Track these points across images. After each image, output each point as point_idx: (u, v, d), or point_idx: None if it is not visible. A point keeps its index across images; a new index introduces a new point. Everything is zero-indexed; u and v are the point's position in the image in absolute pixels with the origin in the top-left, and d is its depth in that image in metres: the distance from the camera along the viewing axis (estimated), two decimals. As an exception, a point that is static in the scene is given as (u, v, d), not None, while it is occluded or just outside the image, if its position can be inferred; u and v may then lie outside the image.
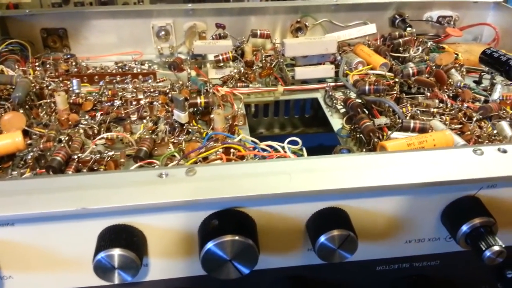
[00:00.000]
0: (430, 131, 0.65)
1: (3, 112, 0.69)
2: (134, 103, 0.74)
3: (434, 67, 0.82)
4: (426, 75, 0.80)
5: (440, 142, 0.60)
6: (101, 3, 1.39)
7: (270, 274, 0.52)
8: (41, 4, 1.35)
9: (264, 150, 0.61)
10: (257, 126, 0.95)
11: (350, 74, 0.84)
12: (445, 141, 0.61)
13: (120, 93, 0.77)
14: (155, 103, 0.75)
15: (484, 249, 0.46)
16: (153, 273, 0.50)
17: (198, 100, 0.72)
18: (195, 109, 0.73)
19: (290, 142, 0.62)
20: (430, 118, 0.71)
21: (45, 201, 0.43)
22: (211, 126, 0.69)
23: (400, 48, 0.92)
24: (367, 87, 0.74)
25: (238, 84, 0.84)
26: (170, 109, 0.73)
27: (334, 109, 0.80)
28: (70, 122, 0.71)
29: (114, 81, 0.81)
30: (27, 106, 0.73)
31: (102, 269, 0.43)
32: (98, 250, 0.43)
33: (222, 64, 0.88)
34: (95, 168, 0.60)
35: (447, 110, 0.73)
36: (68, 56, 0.92)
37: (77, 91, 0.77)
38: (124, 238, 0.44)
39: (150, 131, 0.68)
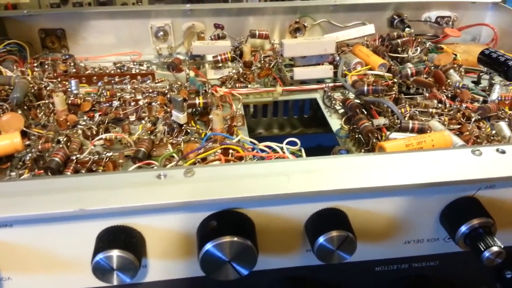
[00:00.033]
0: (428, 131, 0.65)
1: (2, 113, 0.69)
2: (132, 103, 0.74)
3: (432, 67, 0.82)
4: (425, 76, 0.80)
5: (439, 143, 0.60)
6: (99, 3, 1.39)
7: (269, 275, 0.52)
8: (40, 4, 1.35)
9: (262, 151, 0.61)
10: (256, 126, 0.95)
11: (348, 75, 0.84)
12: (444, 141, 0.61)
13: (118, 94, 0.77)
14: (153, 103, 0.75)
15: (483, 249, 0.46)
16: (152, 274, 0.49)
17: (197, 101, 0.72)
18: (194, 109, 0.73)
19: (289, 143, 0.62)
20: (429, 119, 0.71)
21: (43, 203, 0.43)
22: (210, 127, 0.69)
23: (399, 49, 0.92)
24: (365, 88, 0.74)
25: (237, 85, 0.84)
26: (168, 109, 0.73)
27: (333, 110, 0.80)
28: (68, 123, 0.70)
29: (113, 81, 0.81)
30: (25, 107, 0.73)
31: (101, 271, 0.43)
32: (96, 251, 0.43)
33: (220, 64, 0.88)
34: (94, 169, 0.60)
35: (446, 110, 0.73)
36: (67, 56, 0.92)
37: (75, 91, 0.77)
38: (122, 239, 0.44)
39: (149, 132, 0.68)
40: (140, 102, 0.74)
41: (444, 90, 0.78)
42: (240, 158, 0.60)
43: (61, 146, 0.62)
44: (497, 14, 1.04)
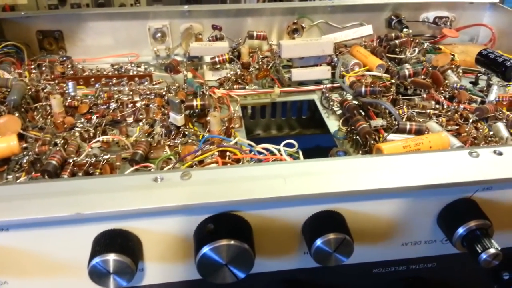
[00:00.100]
0: (426, 132, 0.65)
1: (-1, 115, 0.69)
2: (130, 105, 0.74)
3: (430, 68, 0.82)
4: (423, 77, 0.80)
5: (436, 144, 0.60)
6: (97, 4, 1.39)
7: (267, 277, 0.52)
8: (37, 5, 1.35)
9: (260, 153, 0.61)
10: (254, 127, 0.95)
11: (346, 76, 0.84)
12: (441, 143, 0.61)
13: (116, 96, 0.77)
14: (151, 105, 0.74)
15: (480, 251, 0.46)
16: (149, 277, 0.49)
17: (194, 103, 0.72)
18: (192, 111, 0.73)
19: (286, 145, 0.62)
20: (427, 120, 0.71)
21: (39, 206, 0.43)
22: (208, 129, 0.69)
23: (397, 49, 0.92)
24: (363, 89, 0.74)
25: (235, 86, 0.84)
26: (166, 111, 0.72)
27: (331, 111, 0.79)
28: (65, 125, 0.70)
29: (110, 83, 0.81)
30: (22, 109, 0.72)
31: (97, 274, 0.43)
32: (93, 255, 0.43)
33: (218, 66, 0.88)
34: (91, 172, 0.60)
35: (444, 111, 0.73)
36: (64, 58, 0.92)
37: (72, 93, 0.77)
38: (119, 243, 0.44)
39: (146, 134, 0.68)
40: (138, 104, 0.74)
41: (442, 91, 0.79)
42: (238, 160, 0.60)
43: (58, 148, 0.61)
44: (495, 15, 1.04)
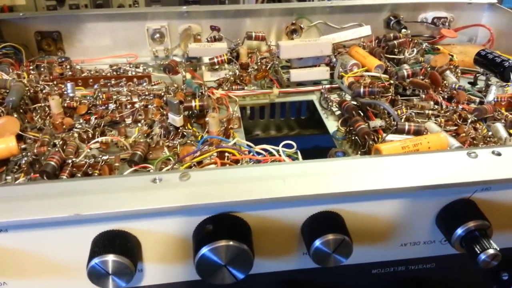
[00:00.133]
0: (425, 133, 0.65)
1: (-3, 116, 0.69)
2: (128, 106, 0.74)
3: (429, 68, 0.82)
4: (421, 77, 0.80)
5: (435, 145, 0.60)
6: (96, 5, 1.39)
7: (266, 278, 0.52)
8: (36, 6, 1.35)
9: (258, 153, 0.61)
10: (253, 128, 0.95)
11: (345, 76, 0.84)
12: (440, 143, 0.61)
13: (114, 97, 0.77)
14: (150, 106, 0.74)
15: (479, 252, 0.46)
16: (148, 278, 0.49)
17: (193, 103, 0.72)
18: (190, 112, 0.73)
19: (285, 146, 0.62)
20: (425, 120, 0.71)
21: (38, 207, 0.43)
22: (206, 129, 0.69)
23: (395, 50, 0.92)
24: (362, 90, 0.74)
25: (233, 87, 0.84)
26: (165, 112, 0.72)
27: (330, 111, 0.80)
28: (64, 126, 0.70)
29: (109, 84, 0.81)
30: (21, 110, 0.72)
31: (96, 275, 0.43)
32: (92, 256, 0.43)
33: (217, 66, 0.88)
34: (90, 173, 0.60)
35: (442, 112, 0.73)
36: (63, 59, 0.92)
37: (71, 94, 0.77)
38: (118, 244, 0.44)
39: (145, 135, 0.68)
40: (136, 105, 0.74)
41: (441, 92, 0.79)
42: (236, 161, 0.60)
43: (57, 149, 0.61)
44: (493, 15, 1.04)
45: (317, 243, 0.45)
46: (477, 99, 0.77)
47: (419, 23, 1.05)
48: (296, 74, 0.85)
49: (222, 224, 0.45)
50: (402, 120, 0.69)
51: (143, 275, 0.49)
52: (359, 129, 0.66)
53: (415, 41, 0.94)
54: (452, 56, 0.91)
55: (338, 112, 0.78)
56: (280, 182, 0.46)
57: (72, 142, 0.65)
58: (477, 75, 0.86)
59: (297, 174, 0.48)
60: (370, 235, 0.51)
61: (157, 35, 0.97)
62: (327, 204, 0.47)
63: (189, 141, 0.67)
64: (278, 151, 0.61)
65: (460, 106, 0.73)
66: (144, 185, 0.46)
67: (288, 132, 0.97)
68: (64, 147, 0.64)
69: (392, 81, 0.80)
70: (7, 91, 0.73)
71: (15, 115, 0.69)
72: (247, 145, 0.64)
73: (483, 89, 0.81)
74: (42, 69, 0.87)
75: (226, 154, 0.60)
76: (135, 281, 0.47)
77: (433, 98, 0.76)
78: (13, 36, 0.94)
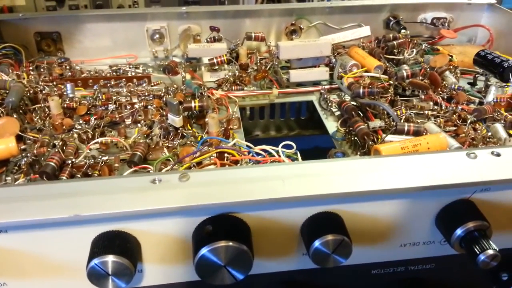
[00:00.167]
0: (424, 133, 0.65)
1: (-3, 117, 0.69)
2: (128, 107, 0.74)
3: (428, 69, 0.82)
4: (421, 78, 0.80)
5: (434, 145, 0.60)
6: (96, 6, 1.39)
7: (265, 278, 0.52)
8: (36, 7, 1.35)
9: (258, 154, 0.61)
10: (253, 128, 0.95)
11: (344, 77, 0.84)
12: (439, 144, 0.61)
13: (114, 97, 0.77)
14: (149, 107, 0.74)
15: (478, 253, 0.46)
16: (148, 279, 0.49)
17: (193, 104, 0.72)
18: (190, 112, 0.73)
19: (285, 146, 0.62)
20: (425, 121, 0.71)
21: (38, 208, 0.43)
22: (206, 130, 0.69)
23: (395, 50, 0.92)
24: (361, 90, 0.74)
25: (233, 87, 0.84)
26: (164, 113, 0.72)
27: (329, 112, 0.80)
28: (64, 127, 0.70)
29: (109, 85, 0.81)
30: (21, 111, 0.72)
31: (96, 276, 0.43)
32: (91, 256, 0.43)
33: (216, 67, 0.88)
34: (89, 173, 0.60)
35: (442, 112, 0.73)
36: (62, 60, 0.92)
37: (71, 95, 0.77)
38: (117, 244, 0.44)
39: (145, 135, 0.68)
40: (136, 106, 0.74)
41: (440, 92, 0.79)
42: (236, 162, 0.60)
43: (56, 150, 0.61)
44: (492, 15, 1.04)
45: (317, 243, 0.46)
46: (477, 100, 0.77)
47: (418, 24, 1.05)
48: (296, 75, 0.85)
49: (221, 225, 0.45)
50: (402, 121, 0.69)
51: (142, 275, 0.49)
52: (359, 130, 0.67)
53: (415, 41, 0.94)
54: (452, 56, 0.91)
55: (337, 113, 0.78)
56: (280, 183, 0.46)
57: (71, 143, 0.65)
58: (477, 75, 0.86)
59: (296, 175, 0.48)
60: (369, 236, 0.51)
61: (157, 35, 0.97)
62: (326, 205, 0.48)
63: (188, 142, 0.67)
64: (277, 152, 0.61)
65: (460, 107, 0.74)
66: (143, 185, 0.46)
67: (287, 132, 0.97)
68: (64, 147, 0.64)
69: (391, 82, 0.80)
70: (7, 91, 0.73)
71: (15, 116, 0.69)
72: (247, 145, 0.64)
73: (483, 89, 0.81)
74: (41, 70, 0.87)
75: (226, 154, 0.60)
76: (134, 281, 0.47)
77: (433, 98, 0.76)
78: (12, 37, 0.94)
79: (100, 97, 0.77)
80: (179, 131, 0.69)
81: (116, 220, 0.45)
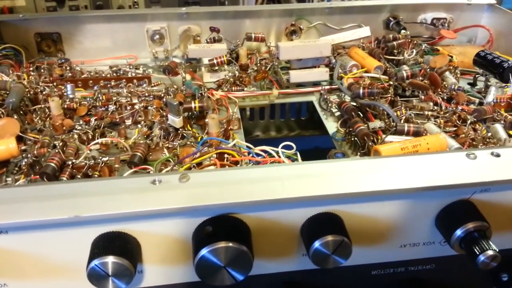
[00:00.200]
0: (424, 134, 0.66)
1: (-3, 118, 0.69)
2: (128, 107, 0.74)
3: (428, 69, 0.82)
4: (420, 78, 0.80)
5: (434, 146, 0.60)
6: (96, 6, 1.39)
7: (265, 279, 0.52)
8: (36, 8, 1.35)
9: (258, 155, 0.61)
10: (253, 128, 0.95)
11: (344, 77, 0.84)
12: (439, 144, 0.61)
13: (114, 98, 0.77)
14: (149, 107, 0.75)
15: (478, 253, 0.46)
16: (148, 279, 0.49)
17: (193, 105, 0.72)
18: (190, 113, 0.73)
19: (285, 147, 0.62)
20: (425, 121, 0.71)
21: (38, 209, 0.43)
22: (206, 131, 0.69)
23: (395, 51, 0.92)
24: (361, 91, 0.74)
25: (233, 88, 0.84)
26: (164, 113, 0.72)
27: (329, 112, 0.80)
28: (64, 128, 0.70)
29: (109, 85, 0.81)
30: (21, 112, 0.72)
31: (96, 277, 0.43)
32: (91, 257, 0.43)
33: (216, 67, 0.88)
34: (90, 174, 0.60)
35: (442, 112, 0.73)
36: (63, 60, 0.92)
37: (71, 96, 0.77)
38: (117, 245, 0.44)
39: (145, 136, 0.68)
40: (136, 106, 0.74)
41: (440, 92, 0.79)
42: (236, 163, 0.60)
43: (56, 151, 0.61)
44: (492, 16, 1.04)
45: (317, 244, 0.46)
46: (477, 100, 0.77)
47: (418, 24, 1.05)
48: (296, 75, 0.85)
49: (221, 226, 0.45)
50: (402, 121, 0.69)
51: (142, 276, 0.49)
52: (359, 130, 0.67)
53: (415, 42, 0.94)
54: (452, 57, 0.91)
55: (337, 113, 0.78)
56: (279, 184, 0.47)
57: (72, 144, 0.65)
58: (477, 76, 0.86)
59: (296, 176, 0.48)
60: (369, 236, 0.51)
61: (157, 36, 0.97)
62: (326, 205, 0.48)
63: (188, 142, 0.68)
64: (277, 152, 0.61)
65: (460, 107, 0.74)
66: (143, 186, 0.46)
67: (288, 133, 0.97)
68: (64, 148, 0.64)
69: (391, 82, 0.80)
70: (7, 92, 0.73)
71: (15, 117, 0.69)
72: (247, 146, 0.64)
73: (483, 90, 0.81)
74: (42, 71, 0.87)
75: (226, 155, 0.61)
76: (134, 282, 0.47)
77: (433, 99, 0.76)
78: (13, 38, 0.94)
79: (100, 98, 0.77)
80: (179, 131, 0.69)
81: (116, 221, 0.45)
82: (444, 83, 0.81)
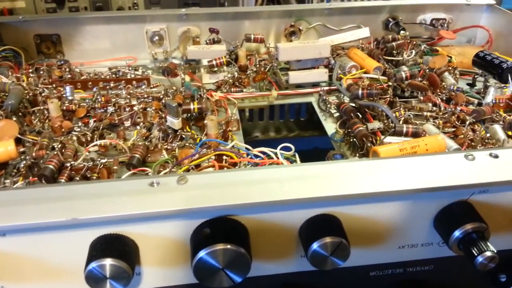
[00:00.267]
0: (423, 135, 0.66)
1: (-4, 119, 0.69)
2: (127, 109, 0.74)
3: (427, 70, 0.82)
4: (420, 79, 0.80)
5: (433, 147, 0.60)
6: (95, 8, 1.39)
7: (263, 281, 0.52)
8: (36, 9, 1.35)
9: (256, 156, 0.61)
10: (252, 129, 0.95)
11: (343, 78, 0.84)
12: (438, 145, 0.61)
13: (113, 100, 0.77)
14: (148, 109, 0.74)
15: (476, 254, 0.46)
16: (146, 282, 0.49)
17: (192, 106, 0.72)
18: (189, 114, 0.73)
19: (283, 148, 0.62)
20: (424, 122, 0.71)
21: (36, 212, 0.43)
22: (205, 132, 0.69)
23: (394, 52, 0.92)
24: (360, 92, 0.74)
25: (232, 89, 0.84)
26: (163, 115, 0.72)
27: (328, 113, 0.80)
28: (63, 129, 0.70)
29: (108, 87, 0.81)
30: (20, 114, 0.72)
31: (94, 279, 0.43)
32: (89, 260, 0.43)
33: (216, 69, 0.88)
34: (88, 176, 0.60)
35: (440, 113, 0.73)
36: (62, 62, 0.92)
37: (70, 97, 0.77)
38: (115, 247, 0.44)
39: (144, 138, 0.68)
40: (135, 108, 0.74)
41: (439, 93, 0.79)
42: (234, 164, 0.60)
43: (55, 153, 0.61)
44: (492, 16, 1.04)
45: (315, 246, 0.46)
46: (476, 101, 0.77)
47: (417, 25, 1.05)
48: (295, 76, 0.85)
49: (219, 228, 0.45)
50: (400, 122, 0.69)
51: (140, 278, 0.49)
52: (357, 131, 0.67)
53: (414, 42, 0.94)
54: (451, 57, 0.91)
55: (336, 114, 0.78)
56: (278, 185, 0.46)
57: (70, 145, 0.65)
58: (476, 76, 0.86)
59: (294, 177, 0.48)
60: (367, 238, 0.51)
61: (156, 37, 0.97)
62: (324, 207, 0.48)
63: (187, 144, 0.68)
64: (276, 154, 0.61)
65: (458, 108, 0.73)
66: (141, 188, 0.46)
67: (287, 133, 0.97)
68: (63, 150, 0.64)
69: (390, 83, 0.80)
70: (6, 94, 0.73)
71: (14, 119, 0.69)
72: (245, 147, 0.64)
73: (482, 90, 0.81)
74: (41, 72, 0.87)
75: (224, 157, 0.61)
76: (132, 285, 0.47)
77: (432, 99, 0.76)
78: (12, 39, 0.94)
79: (99, 99, 0.77)
80: (178, 133, 0.69)
81: (114, 223, 0.45)
82: (443, 83, 0.81)
